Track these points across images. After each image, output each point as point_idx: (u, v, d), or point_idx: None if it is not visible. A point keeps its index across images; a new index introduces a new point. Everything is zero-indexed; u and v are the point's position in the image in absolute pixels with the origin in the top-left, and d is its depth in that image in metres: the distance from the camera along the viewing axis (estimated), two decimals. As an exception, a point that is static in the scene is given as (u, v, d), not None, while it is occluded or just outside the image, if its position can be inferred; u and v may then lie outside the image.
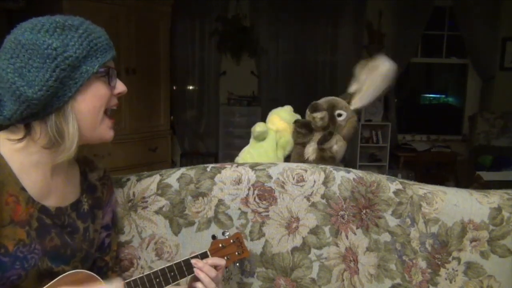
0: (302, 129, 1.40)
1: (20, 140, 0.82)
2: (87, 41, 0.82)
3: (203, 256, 1.00)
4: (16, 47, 0.79)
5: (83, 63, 0.81)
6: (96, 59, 0.83)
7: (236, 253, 1.06)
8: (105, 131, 0.89)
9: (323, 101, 1.40)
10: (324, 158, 1.32)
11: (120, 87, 0.90)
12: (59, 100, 0.80)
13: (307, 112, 1.39)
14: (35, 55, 0.78)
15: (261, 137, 1.43)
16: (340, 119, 1.35)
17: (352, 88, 1.37)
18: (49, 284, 0.84)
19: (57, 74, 0.78)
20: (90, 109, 0.85)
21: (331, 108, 1.35)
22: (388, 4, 4.75)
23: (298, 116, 1.47)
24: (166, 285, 0.93)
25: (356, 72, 1.36)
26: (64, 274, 0.85)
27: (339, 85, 4.90)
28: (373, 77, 1.32)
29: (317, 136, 1.37)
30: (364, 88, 1.35)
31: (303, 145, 1.41)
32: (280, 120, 1.45)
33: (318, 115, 1.35)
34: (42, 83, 0.78)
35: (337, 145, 1.32)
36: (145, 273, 0.92)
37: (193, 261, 0.98)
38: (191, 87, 4.96)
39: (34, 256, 0.82)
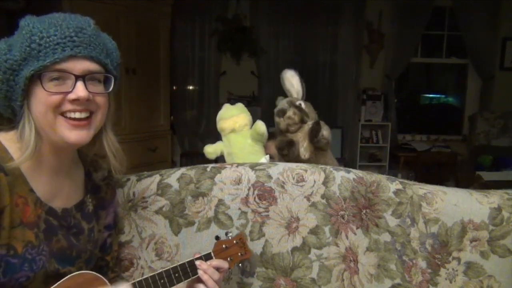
0: (285, 149, 1.47)
1: (7, 131, 0.84)
2: (28, 43, 0.77)
3: (207, 257, 1.01)
4: None
5: (24, 66, 0.78)
6: (36, 62, 0.77)
7: (239, 254, 1.06)
8: (64, 133, 0.81)
9: (281, 104, 1.51)
10: (321, 147, 1.38)
11: (76, 92, 0.79)
12: (15, 103, 0.80)
13: (277, 119, 1.47)
14: None
15: (215, 155, 1.51)
16: (303, 107, 1.44)
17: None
18: (55, 285, 0.84)
19: (0, 77, 0.79)
20: (38, 114, 0.80)
21: (291, 103, 1.45)
22: (388, 4, 4.75)
23: (240, 106, 1.52)
24: (170, 286, 0.93)
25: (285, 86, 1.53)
26: (70, 275, 0.85)
27: (339, 84, 4.90)
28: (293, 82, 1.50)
29: (298, 135, 1.42)
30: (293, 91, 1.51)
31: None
32: (229, 121, 1.49)
33: (290, 113, 1.43)
34: None
35: (325, 130, 1.42)
36: (150, 274, 0.92)
37: (197, 262, 0.98)
38: (191, 87, 4.96)
39: (42, 257, 0.82)
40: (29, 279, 0.80)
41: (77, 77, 0.79)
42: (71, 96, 0.79)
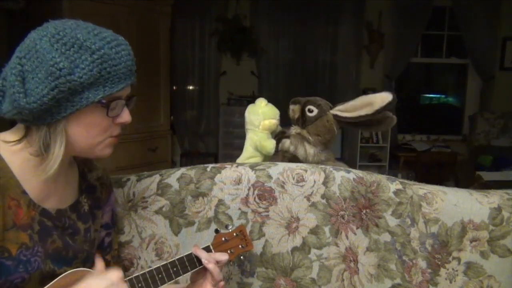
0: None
1: (18, 141, 0.81)
2: (99, 68, 0.77)
3: (206, 250, 0.99)
4: (31, 50, 0.77)
5: (87, 89, 0.77)
6: (102, 88, 0.79)
7: (240, 246, 1.04)
8: (102, 151, 0.87)
9: (307, 98, 1.42)
10: (289, 159, 1.36)
11: (124, 116, 0.85)
12: (52, 117, 0.78)
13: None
14: (42, 66, 0.75)
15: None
16: (310, 114, 1.36)
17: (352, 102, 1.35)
18: (49, 284, 0.84)
19: (54, 93, 0.75)
20: (83, 134, 0.82)
21: (305, 103, 1.37)
22: (388, 4, 4.75)
23: (273, 106, 1.43)
24: (168, 281, 0.93)
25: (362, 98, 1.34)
26: (65, 273, 0.85)
27: (339, 84, 4.90)
28: (363, 105, 1.31)
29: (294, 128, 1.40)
30: (350, 105, 1.34)
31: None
32: (269, 121, 1.40)
33: (291, 107, 1.39)
34: (38, 96, 0.75)
35: (293, 146, 1.34)
36: (147, 269, 0.92)
37: (198, 252, 0.96)
38: (191, 87, 4.96)
39: (37, 259, 0.82)
40: (24, 280, 0.80)
41: (126, 102, 0.85)
42: (120, 120, 0.85)
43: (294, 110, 1.38)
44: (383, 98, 1.27)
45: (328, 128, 1.35)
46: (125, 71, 0.82)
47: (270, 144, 1.37)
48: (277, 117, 1.41)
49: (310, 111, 1.35)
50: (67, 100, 0.77)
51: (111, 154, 0.90)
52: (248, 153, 1.41)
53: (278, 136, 1.39)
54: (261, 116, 1.39)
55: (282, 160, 1.37)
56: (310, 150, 1.34)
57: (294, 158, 1.35)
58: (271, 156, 1.40)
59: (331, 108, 1.37)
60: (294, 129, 1.39)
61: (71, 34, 0.77)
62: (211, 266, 0.95)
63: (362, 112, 1.28)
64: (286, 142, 1.34)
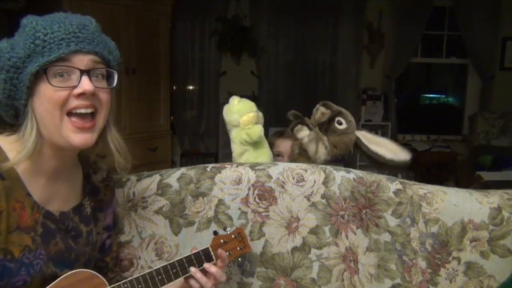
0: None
1: (8, 134, 0.83)
2: (31, 39, 0.77)
3: (205, 252, 1.00)
4: None
5: (28, 63, 0.77)
6: (41, 57, 0.77)
7: (238, 248, 1.05)
8: (68, 135, 0.81)
9: (340, 108, 1.40)
10: (300, 153, 1.34)
11: (82, 86, 0.79)
12: (19, 103, 0.79)
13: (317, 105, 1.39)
14: None
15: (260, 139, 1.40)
16: (338, 126, 1.35)
17: (379, 140, 1.40)
18: (51, 285, 0.84)
19: (3, 76, 0.78)
20: (43, 112, 0.79)
21: (337, 113, 1.36)
22: (388, 4, 4.75)
23: (246, 100, 1.42)
24: (168, 282, 0.93)
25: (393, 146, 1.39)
26: (66, 274, 0.85)
27: (339, 84, 4.90)
28: (386, 146, 1.36)
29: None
30: (376, 139, 1.38)
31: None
32: (247, 116, 1.38)
33: (322, 109, 1.36)
34: None
35: (308, 138, 1.32)
36: (147, 271, 0.92)
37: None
38: (191, 87, 4.96)
39: (39, 261, 0.82)
40: (26, 283, 0.80)
41: (82, 72, 0.79)
42: (77, 90, 0.79)
43: (324, 113, 1.35)
44: (405, 156, 1.36)
45: (348, 146, 1.36)
46: (67, 37, 0.78)
47: (257, 128, 1.35)
48: (253, 109, 1.40)
49: (340, 123, 1.35)
50: (18, 79, 0.78)
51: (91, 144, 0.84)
52: (238, 150, 1.40)
53: (297, 120, 1.36)
54: (237, 114, 1.39)
55: (290, 147, 1.33)
56: (322, 149, 1.33)
57: (300, 152, 1.32)
58: (262, 146, 1.37)
59: (356, 128, 1.38)
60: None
61: (22, 22, 0.81)
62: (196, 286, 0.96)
63: (381, 151, 1.33)
64: (304, 131, 1.31)
